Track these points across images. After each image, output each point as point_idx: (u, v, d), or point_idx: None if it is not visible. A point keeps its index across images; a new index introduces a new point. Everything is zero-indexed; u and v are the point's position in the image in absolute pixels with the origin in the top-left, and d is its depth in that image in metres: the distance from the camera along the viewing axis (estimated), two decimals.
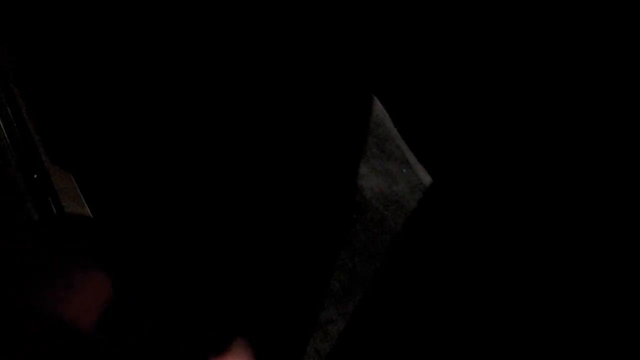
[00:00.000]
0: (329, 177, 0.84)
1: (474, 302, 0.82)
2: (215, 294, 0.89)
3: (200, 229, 0.89)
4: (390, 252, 0.84)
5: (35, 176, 0.74)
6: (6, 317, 0.62)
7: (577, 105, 0.81)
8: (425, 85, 0.84)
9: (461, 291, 0.83)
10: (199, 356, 0.69)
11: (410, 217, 0.84)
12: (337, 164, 0.83)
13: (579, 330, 0.81)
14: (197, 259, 0.89)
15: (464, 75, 0.82)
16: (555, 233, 0.81)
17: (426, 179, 0.84)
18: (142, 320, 0.72)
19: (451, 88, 0.83)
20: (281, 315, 0.86)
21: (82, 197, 0.84)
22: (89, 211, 0.86)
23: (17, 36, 0.93)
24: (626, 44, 0.79)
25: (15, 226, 0.64)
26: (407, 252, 0.84)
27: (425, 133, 0.85)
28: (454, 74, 0.83)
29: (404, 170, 0.85)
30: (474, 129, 0.83)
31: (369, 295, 0.84)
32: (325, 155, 0.83)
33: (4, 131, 0.84)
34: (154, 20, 0.87)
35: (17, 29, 0.93)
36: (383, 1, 0.83)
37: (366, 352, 0.84)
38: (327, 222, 0.84)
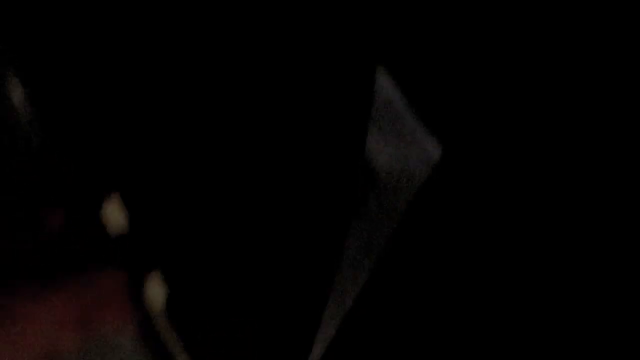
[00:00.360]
0: (341, 152, 0.89)
1: (484, 272, 0.83)
2: (224, 262, 0.98)
3: (212, 195, 0.98)
4: (402, 221, 0.88)
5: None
6: None
7: (586, 79, 0.77)
8: (436, 62, 0.84)
9: (472, 260, 0.85)
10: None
11: (421, 189, 0.86)
12: (348, 140, 0.88)
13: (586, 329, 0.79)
14: (208, 226, 0.99)
15: (476, 51, 0.81)
16: (569, 213, 0.79)
17: (436, 153, 0.85)
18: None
19: (462, 64, 0.83)
20: (294, 284, 0.94)
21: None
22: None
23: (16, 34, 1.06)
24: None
25: (16, 226, 0.75)
26: (418, 222, 0.87)
27: (435, 109, 0.85)
28: (465, 50, 0.82)
29: (415, 145, 0.87)
30: (486, 106, 0.82)
31: (382, 262, 0.89)
32: (336, 132, 0.88)
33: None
34: (153, 18, 0.95)
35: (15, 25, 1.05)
36: None
37: (381, 318, 0.89)
38: (340, 195, 0.89)
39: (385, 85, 0.87)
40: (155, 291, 1.10)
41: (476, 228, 0.84)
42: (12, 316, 0.71)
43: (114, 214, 1.05)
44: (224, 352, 1.06)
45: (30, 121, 1.00)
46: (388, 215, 0.89)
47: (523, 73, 0.81)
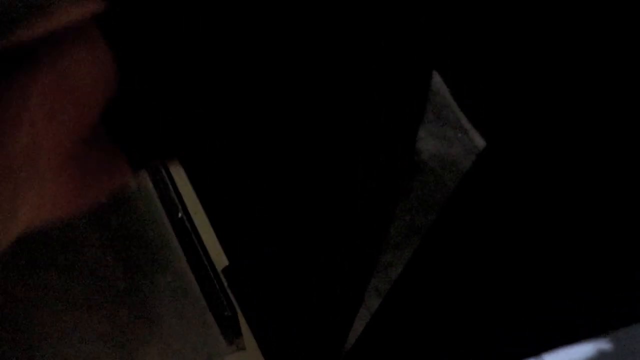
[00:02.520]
0: (390, 139, 0.95)
1: (522, 257, 0.89)
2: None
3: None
4: (445, 207, 0.94)
5: None
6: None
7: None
8: (482, 58, 0.90)
9: (511, 245, 0.90)
10: None
11: (464, 177, 0.93)
12: (397, 127, 0.95)
13: None
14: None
15: (520, 46, 0.87)
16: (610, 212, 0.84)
17: (481, 143, 0.91)
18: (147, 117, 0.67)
19: (507, 59, 0.89)
20: (345, 256, 1.01)
21: None
22: None
23: None
24: None
25: None
26: (460, 208, 0.93)
27: (481, 103, 0.92)
28: (511, 46, 0.88)
29: (459, 135, 0.93)
30: (530, 100, 0.88)
31: (426, 244, 0.95)
32: (386, 119, 0.95)
33: None
34: None
35: None
36: None
37: (423, 293, 0.96)
38: (387, 179, 0.96)
39: (434, 77, 0.94)
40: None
41: (517, 216, 0.90)
42: None
43: None
44: (274, 320, 1.13)
45: None
46: (432, 200, 0.95)
47: (564, 69, 0.87)
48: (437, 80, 0.93)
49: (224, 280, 1.25)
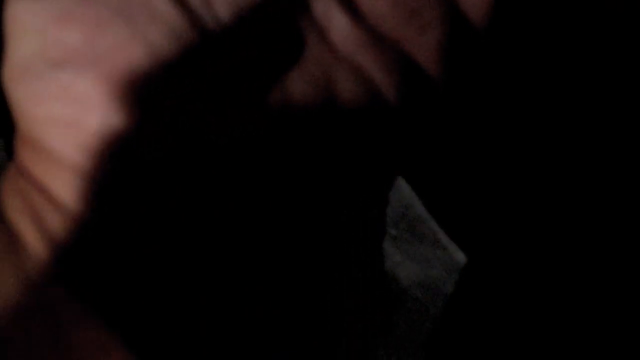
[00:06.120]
0: (364, 268, 0.84)
1: None
2: None
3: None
4: (431, 339, 0.81)
5: None
6: None
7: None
8: (453, 167, 0.81)
9: None
10: None
11: (449, 301, 0.80)
12: (370, 253, 0.84)
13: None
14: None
15: (491, 157, 0.78)
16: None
17: (461, 259, 0.79)
18: None
19: (479, 169, 0.79)
20: None
21: None
22: None
23: None
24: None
25: None
26: (448, 340, 0.80)
27: (456, 213, 0.80)
28: (480, 156, 0.79)
29: (438, 253, 0.80)
30: (505, 208, 0.77)
31: None
32: (357, 246, 0.85)
33: None
34: None
35: None
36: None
37: None
38: (366, 315, 0.85)
39: (404, 190, 0.83)
40: None
41: (503, 336, 0.77)
42: None
43: None
44: None
45: None
46: (418, 335, 0.81)
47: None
48: (408, 192, 0.82)
49: None
